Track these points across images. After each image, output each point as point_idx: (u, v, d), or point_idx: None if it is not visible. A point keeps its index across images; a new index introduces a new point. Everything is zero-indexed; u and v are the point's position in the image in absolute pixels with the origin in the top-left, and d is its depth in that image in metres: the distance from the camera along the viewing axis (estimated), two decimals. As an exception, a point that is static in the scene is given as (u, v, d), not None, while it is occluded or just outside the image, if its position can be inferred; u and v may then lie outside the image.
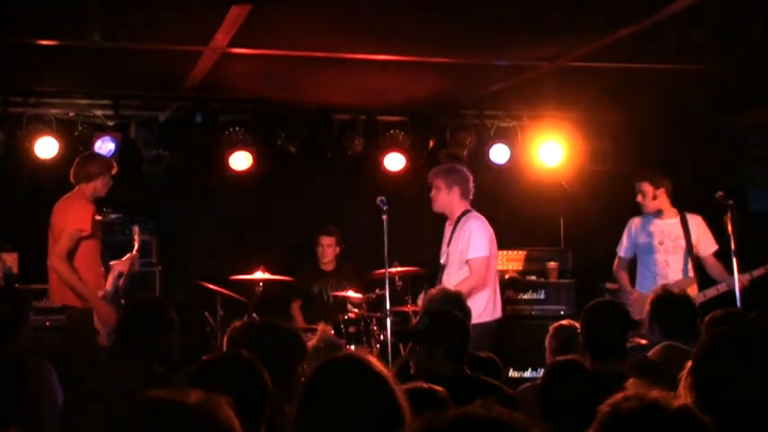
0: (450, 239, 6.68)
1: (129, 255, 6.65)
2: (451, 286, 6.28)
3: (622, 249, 7.23)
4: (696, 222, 7.05)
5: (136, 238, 6.90)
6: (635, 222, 7.21)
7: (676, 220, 7.05)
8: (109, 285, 6.42)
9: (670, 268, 6.97)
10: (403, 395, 2.50)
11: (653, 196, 7.02)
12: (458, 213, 6.70)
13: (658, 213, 7.07)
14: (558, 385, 3.47)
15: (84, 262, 6.41)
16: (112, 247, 7.06)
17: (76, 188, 6.59)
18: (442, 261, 6.76)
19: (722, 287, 6.75)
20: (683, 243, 6.98)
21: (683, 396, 2.66)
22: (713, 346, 2.68)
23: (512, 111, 8.69)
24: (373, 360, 2.56)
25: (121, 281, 6.48)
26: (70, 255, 6.36)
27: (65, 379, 4.52)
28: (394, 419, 2.41)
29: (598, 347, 4.33)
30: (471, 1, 5.54)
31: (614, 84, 7.51)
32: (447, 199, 6.72)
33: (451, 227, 6.72)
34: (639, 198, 7.08)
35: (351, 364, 2.55)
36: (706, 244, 7.01)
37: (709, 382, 2.55)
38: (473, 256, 6.52)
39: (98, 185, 6.59)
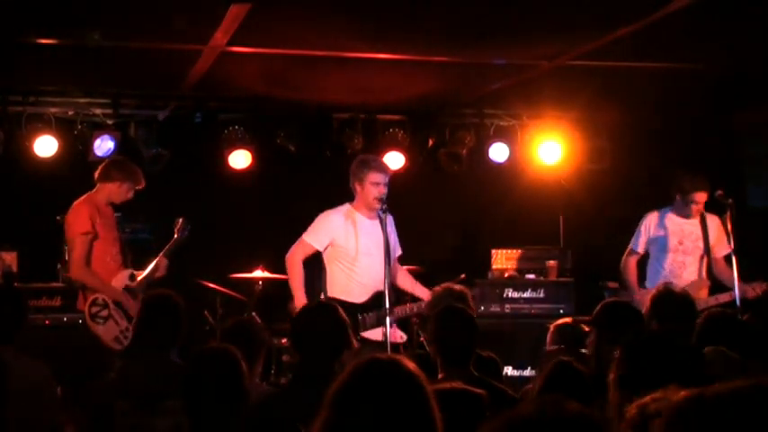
0: (383, 234, 6.15)
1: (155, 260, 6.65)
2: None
3: (639, 244, 7.06)
4: (715, 224, 6.92)
5: (176, 230, 6.81)
6: (655, 219, 7.04)
7: (696, 221, 6.94)
8: (118, 284, 6.44)
9: (686, 269, 6.90)
10: (436, 405, 2.39)
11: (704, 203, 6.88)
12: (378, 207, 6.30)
13: (684, 214, 6.95)
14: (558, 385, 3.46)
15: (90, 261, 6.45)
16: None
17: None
18: (362, 253, 6.31)
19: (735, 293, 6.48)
20: (701, 244, 6.90)
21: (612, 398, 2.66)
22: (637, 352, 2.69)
23: (511, 110, 8.69)
24: (412, 366, 2.42)
25: (134, 283, 6.50)
26: (87, 260, 6.39)
27: (65, 377, 4.53)
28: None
29: None
30: (471, 0, 5.55)
31: (613, 83, 7.51)
32: None
33: (373, 220, 6.30)
34: (696, 209, 6.85)
35: (390, 370, 2.41)
36: (720, 246, 6.87)
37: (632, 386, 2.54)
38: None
39: (112, 190, 6.54)
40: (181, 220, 6.82)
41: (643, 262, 7.17)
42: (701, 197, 6.85)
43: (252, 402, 3.66)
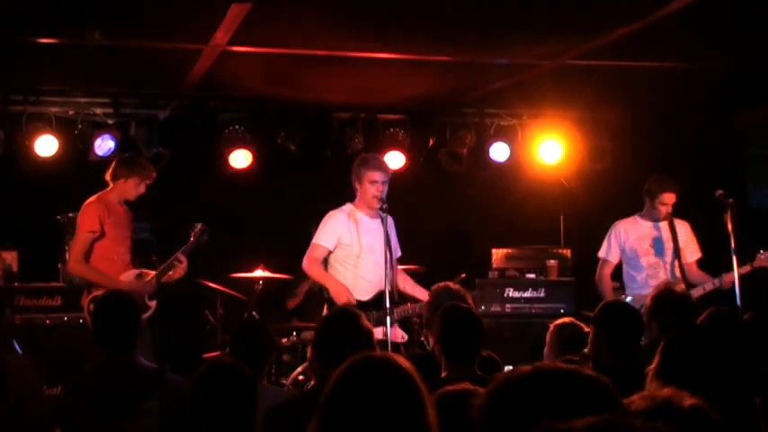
0: (384, 233, 6.16)
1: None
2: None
3: (612, 254, 7.12)
4: (683, 227, 7.05)
5: (193, 233, 6.76)
6: (623, 226, 7.12)
7: (665, 224, 7.01)
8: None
9: (660, 270, 6.96)
10: (433, 407, 2.38)
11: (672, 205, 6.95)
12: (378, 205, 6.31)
13: (652, 218, 7.04)
14: None
15: (95, 260, 6.44)
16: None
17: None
18: (366, 251, 6.31)
19: (708, 286, 6.73)
20: (671, 245, 6.97)
21: (652, 391, 2.66)
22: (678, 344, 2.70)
23: (512, 109, 8.69)
24: (406, 364, 2.41)
25: (140, 282, 6.48)
26: (86, 257, 6.40)
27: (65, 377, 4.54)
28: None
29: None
30: (471, 0, 5.55)
31: (614, 83, 7.51)
32: None
33: (375, 219, 6.35)
34: (665, 210, 6.91)
35: (384, 367, 2.40)
36: (692, 250, 7.02)
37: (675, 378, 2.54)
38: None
39: (120, 187, 6.53)
40: (199, 225, 6.82)
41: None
42: (670, 198, 6.90)
43: (270, 404, 3.65)
